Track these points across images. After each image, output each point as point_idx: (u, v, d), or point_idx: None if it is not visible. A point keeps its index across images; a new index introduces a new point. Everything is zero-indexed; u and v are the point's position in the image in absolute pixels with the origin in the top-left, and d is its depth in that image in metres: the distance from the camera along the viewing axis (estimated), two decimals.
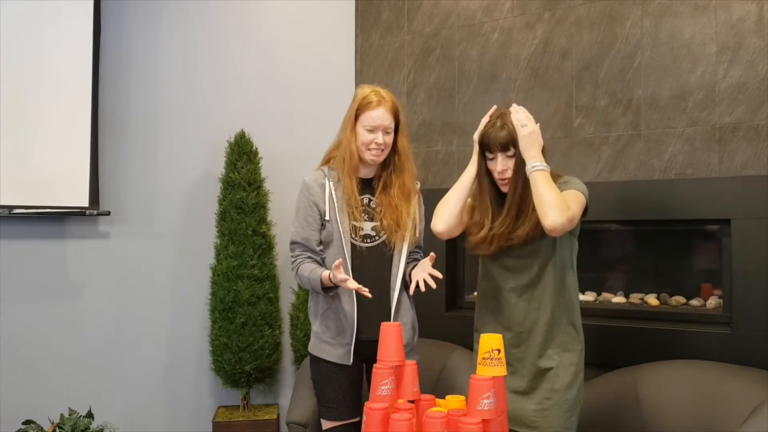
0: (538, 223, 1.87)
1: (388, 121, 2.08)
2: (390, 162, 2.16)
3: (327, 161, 2.19)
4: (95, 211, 3.03)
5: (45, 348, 3.03)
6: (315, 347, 2.15)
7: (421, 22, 3.21)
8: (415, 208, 2.18)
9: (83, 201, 2.99)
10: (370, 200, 2.15)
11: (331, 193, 2.10)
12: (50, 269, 3.05)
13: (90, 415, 2.90)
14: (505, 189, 1.97)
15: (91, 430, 2.85)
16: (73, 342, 3.09)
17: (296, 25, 3.42)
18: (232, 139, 3.16)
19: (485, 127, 1.97)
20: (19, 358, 2.98)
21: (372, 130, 2.07)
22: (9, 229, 2.97)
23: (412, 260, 2.21)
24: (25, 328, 2.99)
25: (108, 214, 3.09)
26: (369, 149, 2.08)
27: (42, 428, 2.81)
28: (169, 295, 3.27)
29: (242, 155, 3.12)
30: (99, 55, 3.06)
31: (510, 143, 1.90)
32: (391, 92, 2.15)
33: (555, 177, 1.96)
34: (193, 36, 3.31)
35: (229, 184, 3.11)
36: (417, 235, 2.19)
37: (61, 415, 2.86)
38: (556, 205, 1.79)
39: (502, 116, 1.94)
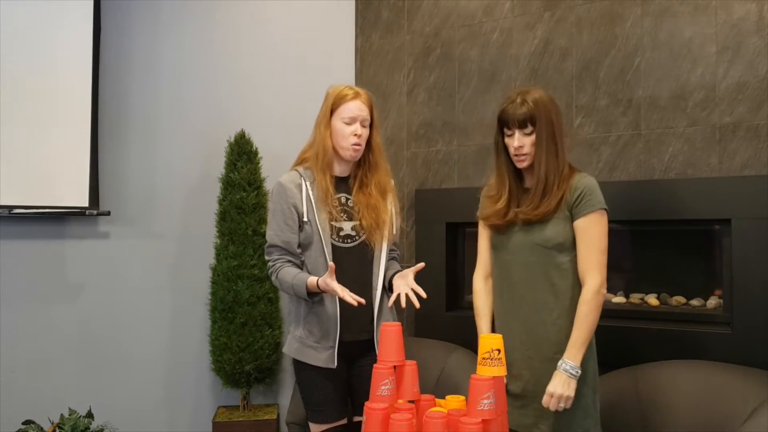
0: (559, 201, 1.90)
1: (365, 112, 2.08)
2: (365, 160, 2.14)
3: (300, 162, 2.17)
4: (95, 211, 3.04)
5: (45, 348, 3.03)
6: (299, 352, 2.11)
7: (421, 22, 3.21)
8: (392, 205, 2.17)
9: (83, 201, 2.99)
10: (347, 199, 2.13)
11: (308, 194, 2.07)
12: (50, 269, 3.05)
13: (90, 415, 2.90)
14: (520, 165, 1.96)
15: (91, 430, 2.85)
16: (73, 342, 3.09)
17: (296, 25, 3.42)
18: (232, 139, 3.16)
19: (505, 102, 1.96)
20: (19, 358, 2.98)
21: (350, 122, 2.06)
22: (9, 229, 2.97)
23: (391, 259, 2.19)
24: (25, 328, 2.99)
25: (108, 214, 3.09)
26: (349, 144, 2.06)
27: (42, 428, 2.81)
28: (169, 295, 3.27)
29: (242, 155, 3.12)
30: (99, 55, 3.07)
31: (528, 120, 1.90)
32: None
33: (571, 172, 1.95)
34: (193, 36, 3.31)
35: (229, 184, 3.11)
36: (394, 232, 2.18)
37: (61, 415, 2.87)
38: (595, 312, 1.89)
39: (523, 93, 1.93)
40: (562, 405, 1.84)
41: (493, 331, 2.06)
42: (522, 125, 1.90)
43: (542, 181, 1.91)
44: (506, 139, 1.96)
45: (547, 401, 1.85)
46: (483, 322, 2.06)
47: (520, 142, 1.91)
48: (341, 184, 2.14)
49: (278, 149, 3.25)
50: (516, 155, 1.94)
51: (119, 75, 3.19)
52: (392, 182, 2.22)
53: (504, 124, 1.95)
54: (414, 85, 3.22)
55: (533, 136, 1.91)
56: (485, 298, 2.08)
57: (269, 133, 3.27)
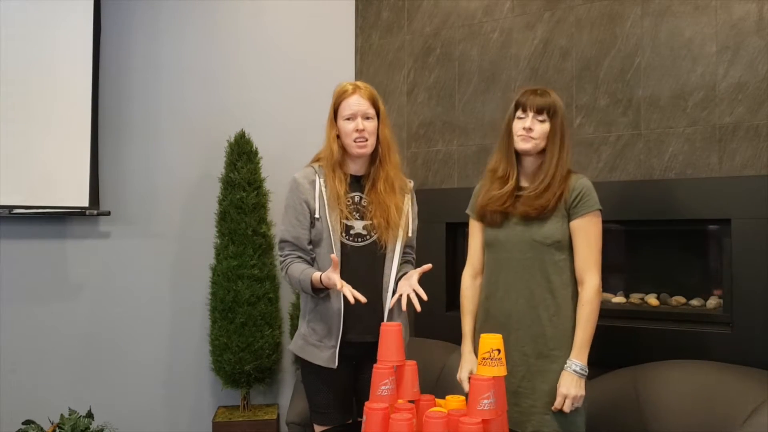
0: (559, 198, 1.93)
1: (365, 106, 2.05)
2: (377, 156, 2.11)
3: (316, 160, 2.16)
4: (95, 211, 3.04)
5: (45, 348, 3.03)
6: (302, 350, 2.10)
7: (421, 22, 3.21)
8: (407, 205, 2.14)
9: (83, 201, 2.99)
10: (360, 198, 2.10)
11: (321, 191, 2.06)
12: (50, 269, 3.05)
13: (90, 415, 2.90)
14: (524, 144, 1.96)
15: (91, 430, 2.85)
16: (73, 342, 3.09)
17: (296, 25, 3.42)
18: (232, 139, 3.16)
19: (525, 90, 2.01)
20: (19, 358, 2.98)
21: (351, 118, 2.03)
22: (9, 229, 2.97)
23: (405, 262, 2.16)
24: (25, 328, 2.99)
25: (108, 214, 3.09)
26: (354, 140, 2.03)
27: (42, 428, 2.81)
28: (169, 295, 3.27)
29: (242, 155, 3.12)
30: (99, 55, 3.07)
31: (546, 109, 1.95)
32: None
33: (568, 175, 1.97)
34: (193, 36, 3.31)
35: (229, 184, 3.11)
36: (410, 234, 2.14)
37: (61, 415, 2.87)
38: (596, 311, 1.93)
39: (543, 88, 2.01)
40: (576, 405, 1.88)
41: (477, 330, 2.07)
42: (539, 111, 1.95)
43: (549, 175, 1.94)
44: (516, 122, 1.99)
45: (561, 403, 1.87)
46: (468, 321, 2.09)
47: (532, 124, 1.95)
48: (355, 182, 2.11)
49: (278, 149, 3.26)
50: (523, 135, 1.96)
51: (119, 75, 3.19)
52: (409, 182, 2.19)
53: (520, 106, 1.99)
54: (414, 85, 3.22)
55: (545, 125, 1.95)
56: (473, 297, 2.11)
57: (269, 133, 3.27)
